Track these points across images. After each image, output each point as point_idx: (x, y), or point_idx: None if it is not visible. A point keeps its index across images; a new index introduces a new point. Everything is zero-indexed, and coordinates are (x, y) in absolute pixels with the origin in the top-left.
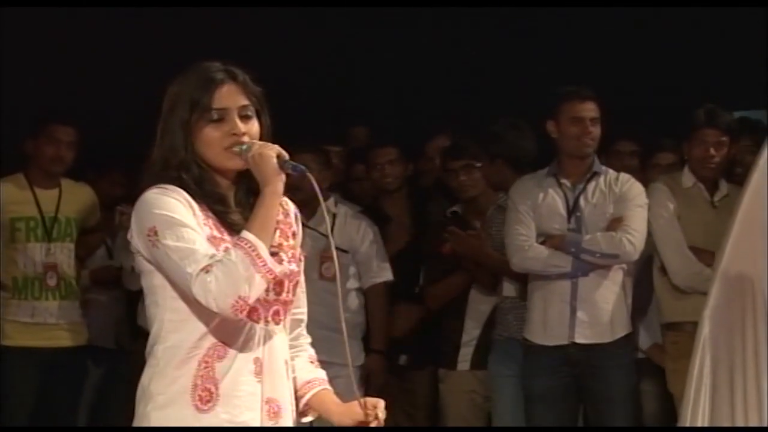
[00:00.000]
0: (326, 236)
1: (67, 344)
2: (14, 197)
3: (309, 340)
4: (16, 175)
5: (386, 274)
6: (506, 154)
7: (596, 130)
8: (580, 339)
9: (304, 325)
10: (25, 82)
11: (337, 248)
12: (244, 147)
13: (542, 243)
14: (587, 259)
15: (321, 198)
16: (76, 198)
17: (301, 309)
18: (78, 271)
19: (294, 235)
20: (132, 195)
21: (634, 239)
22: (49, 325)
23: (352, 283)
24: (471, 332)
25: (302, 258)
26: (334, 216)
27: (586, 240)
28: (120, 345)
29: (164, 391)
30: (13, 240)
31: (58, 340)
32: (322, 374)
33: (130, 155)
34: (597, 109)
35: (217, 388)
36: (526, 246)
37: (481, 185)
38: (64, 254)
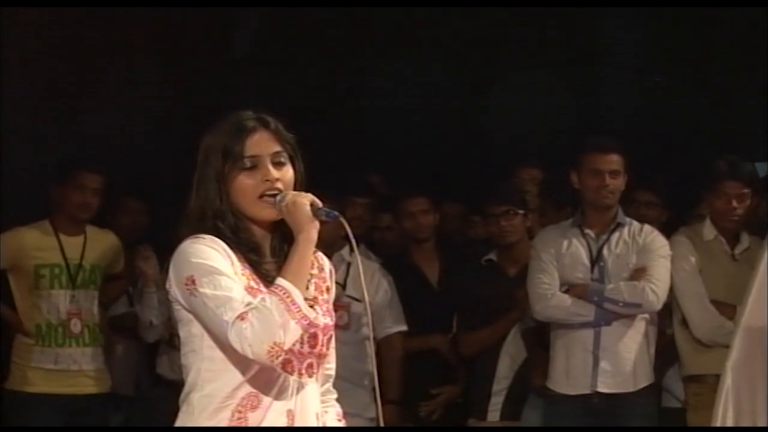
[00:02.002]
0: (340, 284)
1: (90, 391)
2: (39, 244)
3: (336, 395)
4: (41, 222)
5: (400, 325)
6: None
7: (615, 183)
8: (602, 388)
9: (332, 380)
10: (49, 128)
11: (350, 296)
12: (278, 198)
13: (565, 292)
14: (610, 308)
15: (353, 242)
16: (100, 245)
17: (331, 364)
18: (102, 318)
19: (328, 290)
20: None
21: (657, 289)
22: (72, 371)
23: (365, 333)
24: (502, 381)
25: (333, 313)
26: (348, 264)
27: (609, 289)
28: (140, 392)
29: None
30: (37, 287)
31: (81, 387)
32: None
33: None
34: (620, 161)
35: None
36: (548, 294)
37: (520, 232)
38: (88, 301)
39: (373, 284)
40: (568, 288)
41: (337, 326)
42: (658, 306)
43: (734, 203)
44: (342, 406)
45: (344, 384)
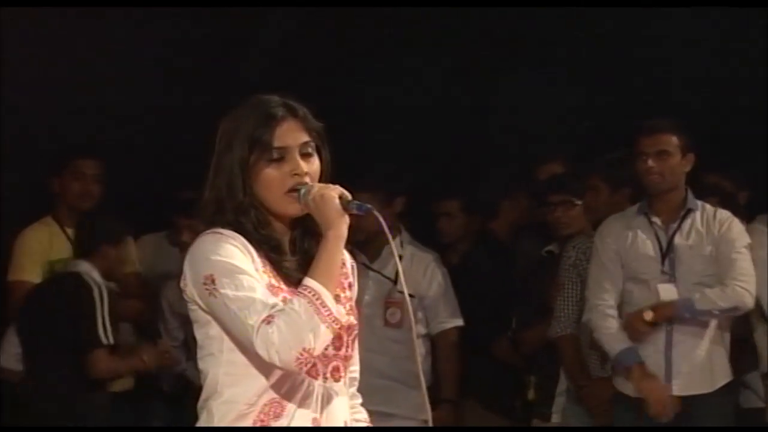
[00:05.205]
0: (391, 280)
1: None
2: (46, 242)
3: (360, 400)
4: (44, 219)
5: (456, 320)
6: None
7: (663, 164)
8: (677, 391)
9: (357, 383)
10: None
11: (401, 293)
12: (303, 191)
13: (653, 313)
14: (706, 318)
15: (389, 237)
16: None
17: (355, 366)
18: None
19: (350, 286)
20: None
21: (747, 286)
22: None
23: (419, 330)
24: (565, 382)
25: (356, 311)
26: (400, 257)
27: (698, 301)
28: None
29: None
30: None
31: None
32: None
33: None
34: (671, 141)
35: None
36: (600, 312)
37: (579, 223)
38: None
39: (426, 277)
40: (653, 309)
41: (389, 324)
42: (752, 302)
43: None
44: (393, 409)
45: (396, 385)
